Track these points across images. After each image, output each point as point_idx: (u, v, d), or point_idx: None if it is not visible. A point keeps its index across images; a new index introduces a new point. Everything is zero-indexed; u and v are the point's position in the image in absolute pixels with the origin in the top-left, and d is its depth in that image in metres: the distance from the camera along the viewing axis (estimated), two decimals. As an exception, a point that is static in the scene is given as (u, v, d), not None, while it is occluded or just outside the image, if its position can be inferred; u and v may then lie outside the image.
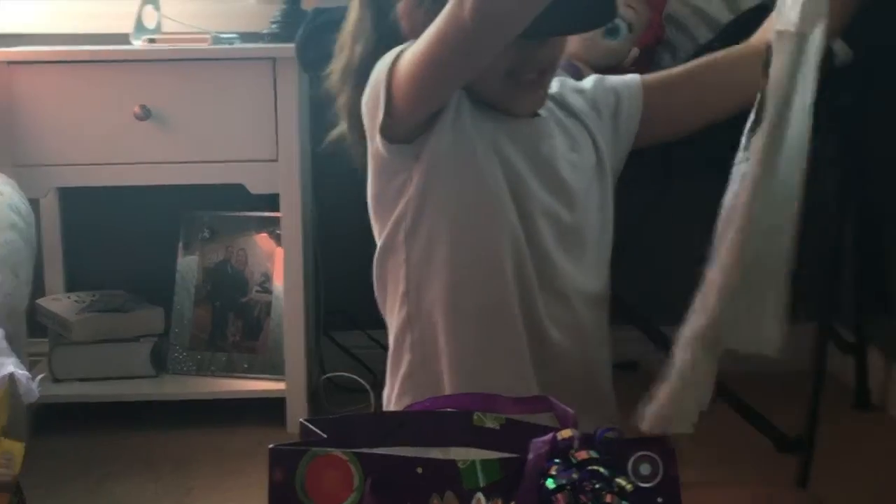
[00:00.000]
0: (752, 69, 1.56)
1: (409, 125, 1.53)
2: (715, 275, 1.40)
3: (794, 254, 1.46)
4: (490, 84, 1.56)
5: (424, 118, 1.52)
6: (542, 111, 1.63)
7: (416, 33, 1.52)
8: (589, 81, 1.74)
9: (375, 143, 1.56)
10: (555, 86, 1.68)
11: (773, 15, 1.50)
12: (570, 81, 1.74)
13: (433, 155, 1.54)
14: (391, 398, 1.65)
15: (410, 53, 1.46)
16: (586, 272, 1.64)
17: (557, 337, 1.59)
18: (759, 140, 1.41)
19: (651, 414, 1.34)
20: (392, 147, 1.55)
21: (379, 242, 1.65)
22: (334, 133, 1.72)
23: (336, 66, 1.68)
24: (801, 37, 1.39)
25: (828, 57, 2.21)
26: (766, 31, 1.60)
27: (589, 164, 1.66)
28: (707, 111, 1.71)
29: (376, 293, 1.68)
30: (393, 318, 1.66)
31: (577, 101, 1.70)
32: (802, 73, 1.42)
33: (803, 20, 1.40)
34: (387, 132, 1.53)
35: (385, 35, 1.61)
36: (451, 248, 1.56)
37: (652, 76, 1.73)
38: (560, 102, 1.68)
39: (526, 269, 1.57)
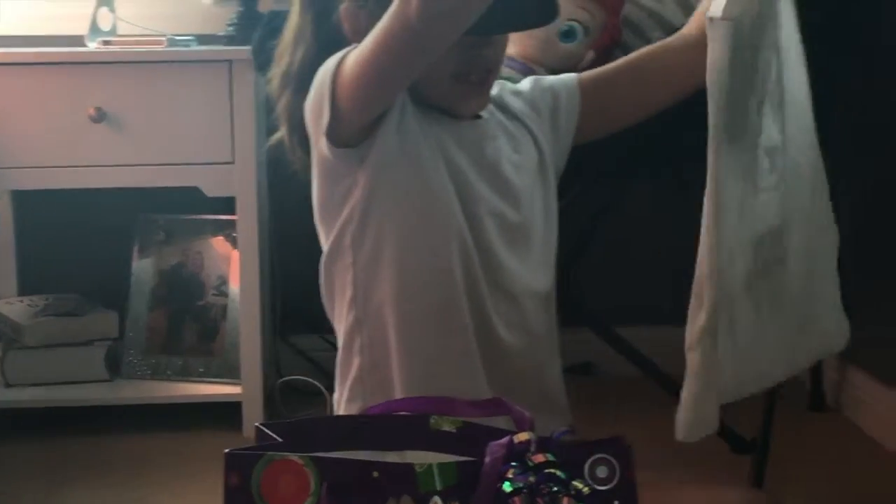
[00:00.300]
0: (684, 59, 1.63)
1: (355, 128, 1.53)
2: (701, 269, 1.44)
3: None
4: (436, 86, 1.57)
5: (370, 121, 1.52)
6: (484, 113, 1.65)
7: (359, 36, 1.52)
8: (526, 83, 1.76)
9: (320, 147, 1.56)
10: (494, 89, 1.69)
11: (704, 2, 1.56)
12: (509, 84, 1.75)
13: (378, 158, 1.54)
14: (340, 403, 1.65)
15: (355, 55, 1.46)
16: (533, 270, 1.65)
17: (507, 336, 1.60)
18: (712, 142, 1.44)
19: (683, 422, 1.43)
20: (337, 151, 1.55)
21: (325, 247, 1.66)
22: (274, 138, 1.73)
23: (276, 72, 1.69)
24: (728, 23, 1.40)
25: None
26: (697, 20, 1.64)
27: (532, 164, 1.67)
28: (644, 103, 1.73)
29: (324, 299, 1.69)
30: (341, 324, 1.66)
31: (515, 103, 1.71)
32: (748, 60, 1.45)
33: (729, 5, 1.40)
34: (332, 135, 1.53)
35: (326, 40, 1.61)
36: (399, 251, 1.57)
37: (588, 73, 1.75)
38: (500, 105, 1.69)
39: (473, 269, 1.57)
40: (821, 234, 1.66)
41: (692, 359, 1.44)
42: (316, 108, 1.53)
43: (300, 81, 1.62)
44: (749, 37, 1.44)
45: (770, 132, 1.52)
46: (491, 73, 1.61)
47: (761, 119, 1.50)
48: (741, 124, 1.47)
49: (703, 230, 1.43)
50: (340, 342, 1.66)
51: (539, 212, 1.66)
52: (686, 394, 1.44)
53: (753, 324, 1.51)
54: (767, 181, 1.52)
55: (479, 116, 1.64)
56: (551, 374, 1.68)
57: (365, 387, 1.62)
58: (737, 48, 1.41)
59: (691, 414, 1.44)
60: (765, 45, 1.49)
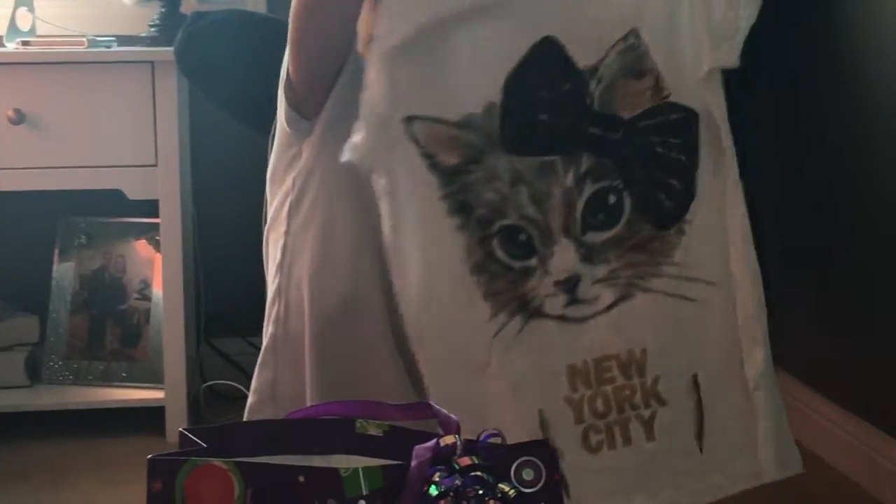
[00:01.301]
0: None
1: (306, 89, 1.55)
2: None
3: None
4: None
5: (320, 83, 1.56)
6: None
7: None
8: None
9: (280, 114, 1.61)
10: None
11: None
12: None
13: (323, 134, 1.57)
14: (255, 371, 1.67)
15: (291, 23, 1.54)
16: None
17: None
18: None
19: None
20: (291, 113, 1.58)
21: (269, 215, 1.67)
22: None
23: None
24: None
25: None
26: None
27: None
28: None
29: (266, 272, 1.70)
30: (268, 291, 1.68)
31: None
32: None
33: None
34: (290, 99, 1.57)
35: None
36: (323, 228, 1.59)
37: None
38: None
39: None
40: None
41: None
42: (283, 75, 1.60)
43: None
44: None
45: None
46: None
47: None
48: None
49: None
50: (266, 310, 1.68)
51: None
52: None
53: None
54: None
55: None
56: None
57: (277, 357, 1.64)
58: None
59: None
60: None
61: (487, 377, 1.58)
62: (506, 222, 1.58)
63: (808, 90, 2.55)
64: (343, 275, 1.59)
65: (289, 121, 1.60)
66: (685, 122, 1.63)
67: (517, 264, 1.59)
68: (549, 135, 1.59)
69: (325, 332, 1.60)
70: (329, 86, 1.57)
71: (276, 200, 1.65)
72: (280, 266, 1.63)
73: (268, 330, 1.67)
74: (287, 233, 1.62)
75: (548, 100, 1.57)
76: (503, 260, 1.58)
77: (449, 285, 1.57)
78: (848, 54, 2.40)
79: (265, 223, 1.70)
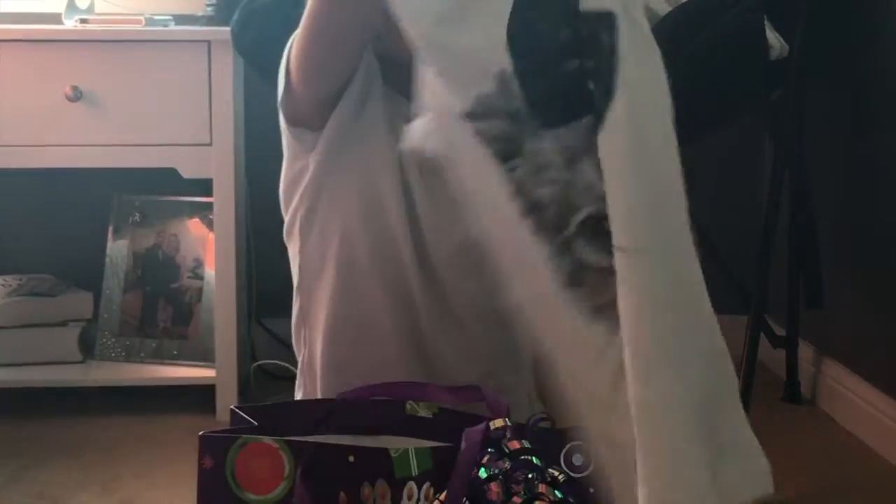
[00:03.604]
0: None
1: (309, 104, 1.52)
2: None
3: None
4: (404, 73, 1.49)
5: (322, 96, 1.51)
6: None
7: None
8: None
9: (282, 127, 1.57)
10: None
11: None
12: None
13: (328, 148, 1.53)
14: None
15: (296, 38, 1.47)
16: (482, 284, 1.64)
17: (443, 347, 1.58)
18: None
19: None
20: (293, 129, 1.55)
21: (285, 226, 1.66)
22: None
23: None
24: None
25: (765, 51, 2.24)
26: None
27: None
28: None
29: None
30: (293, 307, 1.67)
31: None
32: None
33: None
34: (286, 111, 1.53)
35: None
36: (343, 247, 1.56)
37: None
38: None
39: (408, 285, 1.56)
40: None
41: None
42: (278, 82, 1.55)
43: None
44: None
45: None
46: None
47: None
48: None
49: None
50: (293, 326, 1.68)
51: None
52: None
53: None
54: None
55: None
56: (505, 381, 1.64)
57: (306, 380, 1.63)
58: None
59: None
60: None
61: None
62: (581, 215, 1.24)
63: (867, 86, 2.53)
64: (356, 310, 1.57)
65: (293, 135, 1.57)
66: None
67: None
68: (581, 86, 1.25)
69: (330, 366, 1.59)
70: (338, 98, 1.53)
71: (289, 213, 1.63)
72: (300, 287, 1.62)
73: (299, 352, 1.66)
74: (302, 251, 1.60)
75: (566, 42, 1.26)
76: (597, 264, 1.23)
77: (547, 310, 1.24)
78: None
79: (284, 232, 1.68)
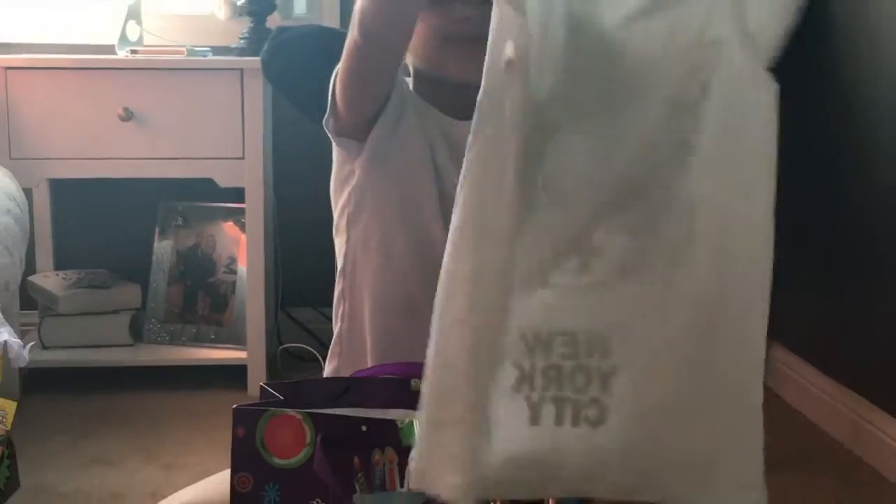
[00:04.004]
0: None
1: (352, 122, 1.51)
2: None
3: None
4: (431, 52, 1.51)
5: (363, 117, 1.50)
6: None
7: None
8: None
9: (330, 135, 1.56)
10: None
11: None
12: None
13: (371, 155, 1.52)
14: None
15: (340, 67, 1.44)
16: None
17: None
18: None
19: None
20: (338, 139, 1.54)
21: (334, 219, 1.65)
22: None
23: None
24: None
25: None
26: None
27: None
28: None
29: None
30: (335, 288, 1.66)
31: None
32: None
33: None
34: (333, 126, 1.52)
35: None
36: (384, 241, 1.56)
37: None
38: None
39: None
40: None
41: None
42: (328, 104, 1.52)
43: None
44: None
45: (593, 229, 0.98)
46: (484, 33, 1.51)
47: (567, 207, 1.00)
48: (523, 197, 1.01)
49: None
50: (333, 304, 1.67)
51: None
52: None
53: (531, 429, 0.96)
54: (572, 279, 0.98)
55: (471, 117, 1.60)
56: None
57: (342, 349, 1.63)
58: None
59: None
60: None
61: None
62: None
63: (811, 85, 2.53)
64: (400, 290, 1.57)
65: (339, 144, 1.54)
66: None
67: None
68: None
69: (383, 336, 1.58)
70: (378, 115, 1.49)
71: (338, 209, 1.61)
72: (343, 271, 1.62)
73: (336, 325, 1.65)
74: (348, 241, 1.60)
75: None
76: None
77: None
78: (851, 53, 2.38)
79: (333, 226, 1.67)
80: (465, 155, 1.02)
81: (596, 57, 0.99)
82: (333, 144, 1.58)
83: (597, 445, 0.93)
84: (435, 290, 1.48)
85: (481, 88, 1.00)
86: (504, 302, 0.98)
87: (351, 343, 1.61)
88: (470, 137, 1.01)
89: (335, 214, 1.62)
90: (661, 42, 0.99)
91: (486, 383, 0.96)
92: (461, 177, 1.02)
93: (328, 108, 1.50)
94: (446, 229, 1.51)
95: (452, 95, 1.53)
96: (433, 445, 0.99)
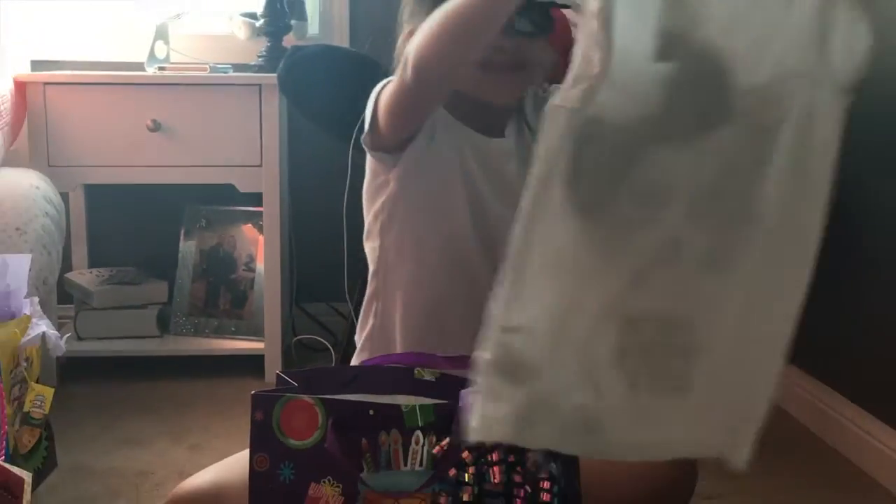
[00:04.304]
0: None
1: (391, 142, 1.50)
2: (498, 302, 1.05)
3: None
4: (466, 80, 1.48)
5: (405, 137, 1.48)
6: (508, 133, 1.56)
7: None
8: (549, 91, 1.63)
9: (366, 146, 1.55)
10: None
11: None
12: (538, 91, 1.62)
13: (406, 168, 1.50)
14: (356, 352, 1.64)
15: (385, 94, 1.41)
16: None
17: None
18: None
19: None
20: (374, 153, 1.53)
21: (365, 224, 1.63)
22: None
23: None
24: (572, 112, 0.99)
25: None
26: None
27: None
28: None
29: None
30: (369, 286, 1.65)
31: (533, 112, 1.61)
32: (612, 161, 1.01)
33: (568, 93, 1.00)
34: (369, 143, 1.50)
35: None
36: (417, 247, 1.55)
37: None
38: (523, 113, 1.61)
39: (474, 269, 1.52)
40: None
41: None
42: (366, 118, 1.50)
43: None
44: (617, 135, 1.00)
45: (672, 231, 1.03)
46: (516, 67, 1.48)
47: (647, 213, 1.04)
48: (599, 212, 1.03)
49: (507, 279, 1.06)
50: (364, 303, 1.65)
51: None
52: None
53: (627, 399, 1.05)
54: (655, 280, 1.04)
55: (502, 135, 1.55)
56: None
57: (373, 343, 1.62)
58: (585, 141, 1.00)
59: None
60: (665, 141, 1.02)
61: None
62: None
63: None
64: (429, 293, 1.55)
65: (375, 157, 1.53)
66: None
67: None
68: None
69: (412, 333, 1.57)
70: (418, 131, 1.47)
71: (371, 216, 1.59)
72: (376, 274, 1.60)
73: (368, 321, 1.64)
74: (381, 247, 1.58)
75: None
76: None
77: None
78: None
79: (365, 230, 1.65)
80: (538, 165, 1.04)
81: (692, 77, 1.01)
82: (368, 156, 1.57)
83: (683, 409, 1.04)
84: (462, 292, 1.47)
85: (559, 98, 1.00)
86: (606, 295, 1.03)
87: (381, 339, 1.61)
88: (541, 151, 1.03)
89: (367, 220, 1.60)
90: (751, 68, 1.01)
91: (594, 357, 1.03)
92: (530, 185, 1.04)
93: (367, 126, 1.48)
94: (477, 238, 1.51)
95: (485, 115, 1.53)
96: (531, 405, 1.02)
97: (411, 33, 1.48)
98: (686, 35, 1.00)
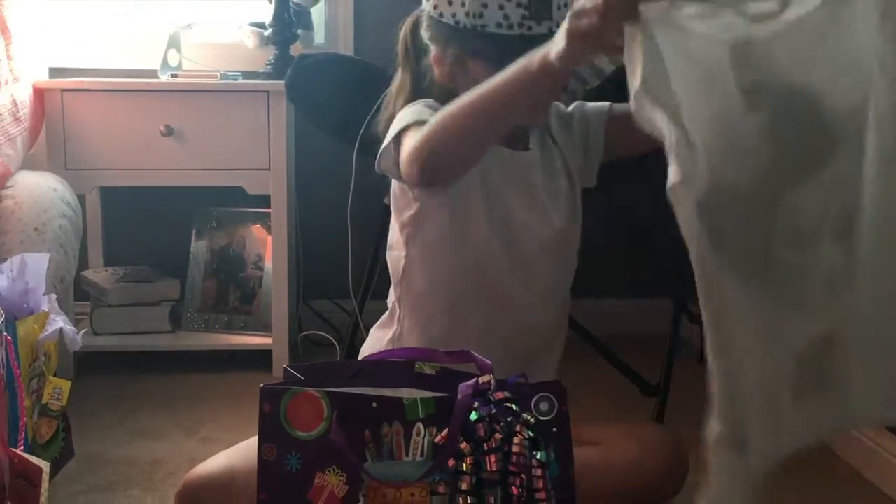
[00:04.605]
0: None
1: (416, 182, 1.49)
2: (713, 377, 1.11)
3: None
4: None
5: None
6: (532, 146, 1.59)
7: (446, 77, 1.53)
8: (571, 109, 1.67)
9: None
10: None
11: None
12: (560, 106, 1.67)
13: (428, 192, 1.53)
14: (376, 348, 1.64)
15: (414, 144, 1.41)
16: (554, 273, 1.62)
17: (513, 334, 1.57)
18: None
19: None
20: (399, 183, 1.55)
21: (391, 233, 1.63)
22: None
23: (384, 115, 1.62)
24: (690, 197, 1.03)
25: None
26: None
27: (562, 187, 1.61)
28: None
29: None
30: (391, 293, 1.65)
31: (556, 125, 1.64)
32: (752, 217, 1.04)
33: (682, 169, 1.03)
34: (395, 173, 1.51)
35: (420, 93, 1.58)
36: (439, 257, 1.55)
37: (620, 106, 1.61)
38: (547, 126, 1.64)
39: (496, 277, 1.55)
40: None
41: (713, 461, 1.10)
42: (385, 152, 1.51)
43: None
44: (751, 200, 1.03)
45: (827, 260, 1.08)
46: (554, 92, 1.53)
47: (805, 253, 1.07)
48: (756, 265, 1.07)
49: (710, 355, 1.11)
50: (389, 306, 1.66)
51: (565, 225, 1.60)
52: (706, 491, 1.10)
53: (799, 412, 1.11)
54: (820, 308, 1.09)
55: (527, 148, 1.58)
56: (549, 360, 1.65)
57: (393, 345, 1.63)
58: (722, 215, 1.03)
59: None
60: (795, 187, 1.05)
61: None
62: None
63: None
64: (448, 301, 1.57)
65: (400, 185, 1.55)
66: None
67: None
68: None
69: (432, 336, 1.58)
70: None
71: (397, 227, 1.60)
72: (400, 282, 1.61)
73: (392, 327, 1.64)
74: (406, 256, 1.59)
75: None
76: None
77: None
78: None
79: (390, 239, 1.65)
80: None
81: (788, 118, 1.04)
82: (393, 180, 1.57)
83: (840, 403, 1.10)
84: (483, 300, 1.49)
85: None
86: (777, 329, 1.09)
87: (405, 341, 1.61)
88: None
89: (394, 229, 1.61)
90: (836, 92, 1.04)
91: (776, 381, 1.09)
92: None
93: (392, 161, 1.48)
94: (500, 246, 1.52)
95: (512, 130, 1.54)
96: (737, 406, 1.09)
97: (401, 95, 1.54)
98: (766, 82, 1.02)
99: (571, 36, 1.18)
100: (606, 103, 1.65)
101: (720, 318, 1.08)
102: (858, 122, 1.04)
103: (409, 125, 1.44)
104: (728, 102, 1.01)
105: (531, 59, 1.26)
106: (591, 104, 1.67)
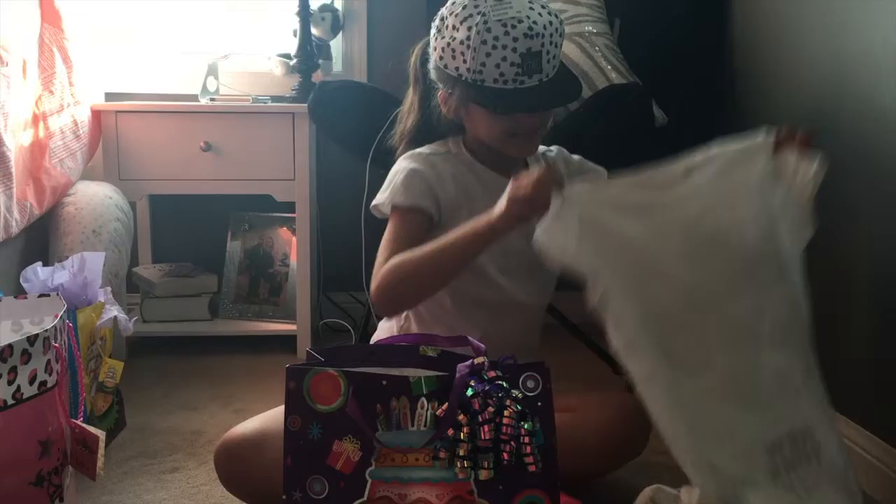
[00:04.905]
0: None
1: None
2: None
3: None
4: (495, 140, 1.53)
5: None
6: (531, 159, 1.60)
7: (450, 112, 1.53)
8: (575, 158, 1.68)
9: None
10: (554, 149, 1.65)
11: None
12: (566, 152, 1.67)
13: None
14: (386, 334, 1.64)
15: (373, 284, 1.45)
16: (543, 285, 1.63)
17: (500, 329, 1.59)
18: None
19: None
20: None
21: None
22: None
23: (398, 129, 1.64)
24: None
25: (651, 119, 2.21)
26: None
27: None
28: None
29: None
30: None
31: (557, 160, 1.65)
32: None
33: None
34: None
35: (428, 111, 1.59)
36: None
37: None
38: (551, 160, 1.65)
39: (488, 279, 1.55)
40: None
41: None
42: (385, 186, 1.55)
43: (411, 138, 1.61)
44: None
45: (773, 364, 1.16)
46: (537, 131, 1.53)
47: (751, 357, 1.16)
48: (694, 371, 1.16)
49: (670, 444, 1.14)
50: None
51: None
52: None
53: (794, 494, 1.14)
54: (775, 400, 1.15)
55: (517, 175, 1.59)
56: (532, 341, 1.67)
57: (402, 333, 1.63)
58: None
59: None
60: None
61: None
62: None
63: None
64: (437, 307, 1.59)
65: None
66: None
67: None
68: None
69: (440, 324, 1.58)
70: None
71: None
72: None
73: (399, 323, 1.63)
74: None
75: None
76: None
77: None
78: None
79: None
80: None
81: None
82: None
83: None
84: (476, 303, 1.52)
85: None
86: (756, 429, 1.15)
87: (408, 331, 1.62)
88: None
89: None
90: (740, 234, 1.18)
91: (753, 469, 1.14)
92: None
93: (379, 201, 1.54)
94: (491, 255, 1.51)
95: (502, 161, 1.55)
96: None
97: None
98: (674, 226, 1.18)
99: (511, 201, 1.29)
100: (604, 170, 1.64)
101: (691, 416, 1.16)
102: (760, 258, 1.16)
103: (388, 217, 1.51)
104: (639, 246, 1.16)
105: (478, 221, 1.34)
106: (590, 163, 1.67)
